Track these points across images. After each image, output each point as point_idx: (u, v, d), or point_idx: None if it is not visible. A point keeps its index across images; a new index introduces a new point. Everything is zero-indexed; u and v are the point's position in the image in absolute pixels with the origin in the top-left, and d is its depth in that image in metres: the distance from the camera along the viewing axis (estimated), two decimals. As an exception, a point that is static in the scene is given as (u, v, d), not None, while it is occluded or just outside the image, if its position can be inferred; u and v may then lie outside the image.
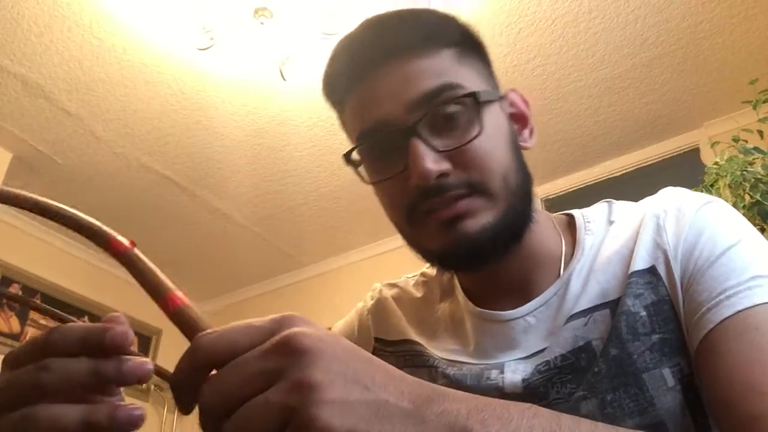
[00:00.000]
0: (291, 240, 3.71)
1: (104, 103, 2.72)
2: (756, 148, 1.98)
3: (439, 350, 0.68)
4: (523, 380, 0.59)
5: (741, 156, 1.97)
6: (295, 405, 0.32)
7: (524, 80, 2.65)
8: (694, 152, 2.94)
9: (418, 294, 0.76)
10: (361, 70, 0.61)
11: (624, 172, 3.08)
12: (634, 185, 3.03)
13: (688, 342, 0.56)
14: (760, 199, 1.86)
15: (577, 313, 0.60)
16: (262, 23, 2.21)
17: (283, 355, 0.34)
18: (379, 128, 0.59)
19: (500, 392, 0.59)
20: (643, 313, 0.56)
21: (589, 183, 3.11)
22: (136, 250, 0.47)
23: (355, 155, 0.63)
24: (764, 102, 2.13)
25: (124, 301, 3.91)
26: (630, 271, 0.59)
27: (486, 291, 0.67)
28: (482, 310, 0.66)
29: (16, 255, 3.42)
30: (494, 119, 0.61)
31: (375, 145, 0.61)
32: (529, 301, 0.63)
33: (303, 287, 3.98)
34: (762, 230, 1.88)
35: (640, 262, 0.59)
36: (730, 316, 0.52)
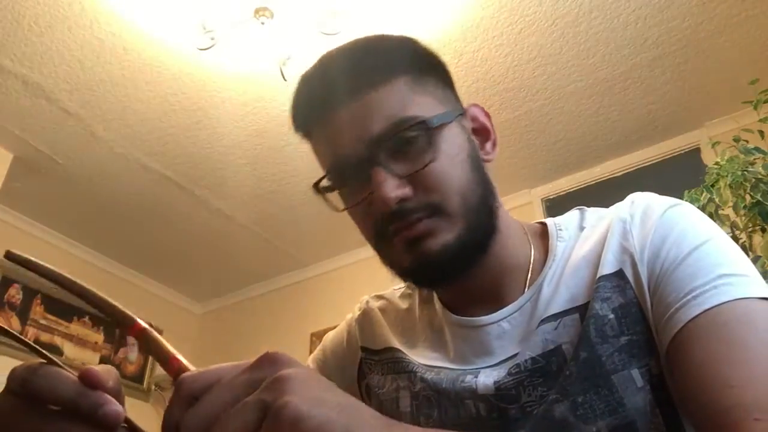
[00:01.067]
0: (291, 240, 3.71)
1: (105, 103, 2.72)
2: (757, 148, 1.98)
3: (421, 357, 0.70)
4: (495, 382, 0.61)
5: (742, 156, 1.97)
6: (270, 399, 0.35)
7: (525, 80, 2.65)
8: (695, 152, 2.94)
9: (403, 305, 0.78)
10: (321, 110, 0.65)
11: (625, 172, 3.08)
12: (635, 185, 2.99)
13: (658, 343, 0.57)
14: (760, 199, 1.86)
15: (547, 317, 0.61)
16: (262, 23, 2.21)
17: (263, 381, 0.37)
18: (343, 162, 0.64)
19: (473, 394, 0.62)
20: (611, 316, 0.58)
21: (590, 183, 3.11)
22: (149, 329, 0.53)
23: (325, 183, 0.68)
24: (765, 102, 2.12)
25: (124, 302, 3.91)
26: (598, 276, 0.60)
27: (461, 300, 0.69)
28: (458, 317, 0.68)
29: (17, 255, 3.41)
30: (452, 139, 0.64)
31: (342, 177, 0.65)
32: (502, 307, 0.66)
33: (303, 287, 3.98)
34: (763, 230, 1.88)
35: (607, 267, 0.60)
36: (698, 315, 0.53)
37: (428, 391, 0.66)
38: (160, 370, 3.94)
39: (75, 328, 3.62)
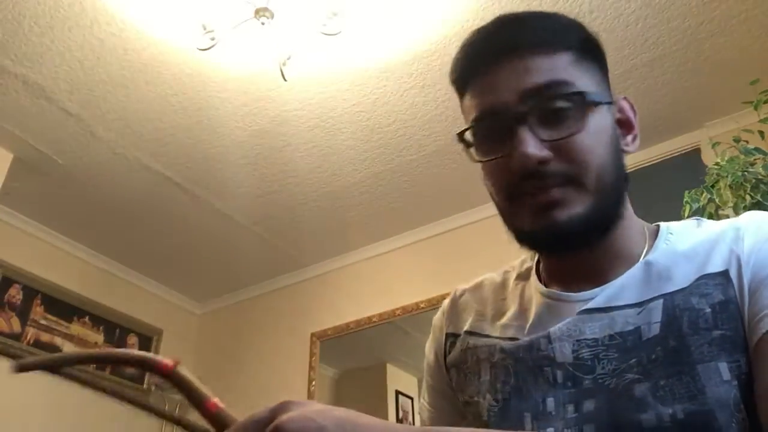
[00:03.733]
0: (291, 240, 3.71)
1: (105, 103, 2.72)
2: (757, 149, 1.98)
3: (503, 329, 0.73)
4: (573, 351, 0.64)
5: (742, 156, 1.97)
6: None
7: (525, 81, 2.65)
8: (695, 153, 2.93)
9: (498, 279, 0.82)
10: (486, 59, 0.68)
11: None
12: (635, 185, 3.00)
13: (748, 341, 0.59)
14: (761, 199, 1.86)
15: (631, 304, 0.64)
16: (263, 24, 2.21)
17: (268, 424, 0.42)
18: (493, 113, 0.66)
19: (552, 361, 0.64)
20: (708, 310, 0.60)
21: (589, 183, 3.11)
22: (179, 368, 0.55)
23: (468, 136, 0.69)
24: (765, 102, 2.12)
25: (124, 302, 3.92)
26: (701, 273, 0.63)
27: (562, 276, 0.72)
28: (551, 290, 0.71)
29: (17, 255, 3.42)
30: (599, 120, 0.66)
31: (487, 128, 0.67)
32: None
33: (303, 287, 3.98)
34: (763, 231, 1.88)
35: (712, 266, 0.63)
36: None
37: (507, 361, 0.68)
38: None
39: (75, 328, 3.63)
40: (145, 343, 3.98)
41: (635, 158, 3.06)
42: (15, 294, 3.38)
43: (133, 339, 3.93)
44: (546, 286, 0.73)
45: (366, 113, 2.82)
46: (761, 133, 2.13)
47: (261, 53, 2.41)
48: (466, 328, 0.78)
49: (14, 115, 2.77)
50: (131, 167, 3.08)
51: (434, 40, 2.48)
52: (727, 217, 2.01)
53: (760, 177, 1.89)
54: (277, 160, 3.07)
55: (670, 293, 0.63)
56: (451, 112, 2.82)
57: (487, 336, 0.73)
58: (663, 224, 0.73)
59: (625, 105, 0.72)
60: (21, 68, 2.54)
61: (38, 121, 2.80)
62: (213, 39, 2.26)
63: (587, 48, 0.69)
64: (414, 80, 2.65)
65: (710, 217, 2.01)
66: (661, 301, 0.62)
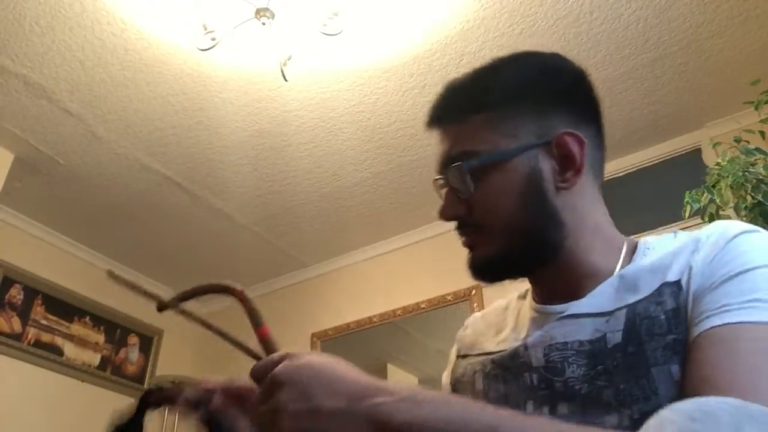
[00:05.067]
0: (292, 240, 3.71)
1: (106, 103, 2.72)
2: (758, 149, 1.98)
3: (498, 343, 0.81)
4: (545, 355, 0.70)
5: (743, 157, 1.97)
6: (272, 417, 0.56)
7: (526, 81, 2.65)
8: (696, 153, 2.93)
9: (503, 303, 0.91)
10: (431, 125, 0.82)
11: (626, 172, 3.07)
12: (636, 186, 3.02)
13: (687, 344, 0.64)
14: (762, 199, 1.86)
15: (601, 313, 0.69)
16: (263, 24, 2.21)
17: (271, 383, 0.59)
18: (437, 170, 0.80)
19: (529, 366, 0.71)
20: (663, 317, 0.65)
21: (590, 184, 3.11)
22: (246, 293, 0.78)
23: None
24: (766, 103, 2.12)
25: (125, 302, 3.92)
26: (660, 283, 0.68)
27: (545, 294, 0.79)
28: (537, 305, 0.79)
29: (18, 255, 3.42)
30: (506, 173, 0.74)
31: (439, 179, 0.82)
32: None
33: (304, 288, 3.98)
34: (764, 231, 1.88)
35: (671, 276, 0.68)
36: (719, 325, 0.60)
37: (496, 370, 0.76)
38: (160, 371, 3.94)
39: (76, 328, 3.63)
40: (146, 343, 3.99)
41: (636, 159, 3.07)
42: (16, 294, 3.39)
43: (133, 339, 3.93)
44: (538, 302, 0.80)
45: (367, 113, 2.82)
46: (762, 133, 2.13)
47: (262, 53, 2.41)
48: (469, 348, 0.86)
49: (15, 115, 2.77)
50: (132, 167, 3.09)
51: (435, 41, 2.48)
52: (728, 217, 2.01)
53: (760, 177, 1.89)
54: (277, 161, 3.07)
55: (633, 303, 0.67)
56: (451, 113, 2.82)
57: (486, 353, 0.81)
58: (642, 239, 0.78)
59: (568, 140, 0.74)
60: (22, 68, 2.54)
61: (39, 121, 2.80)
62: (214, 39, 2.26)
63: (513, 97, 0.77)
64: (415, 80, 2.65)
65: (711, 217, 2.00)
66: (624, 310, 0.67)
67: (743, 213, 1.92)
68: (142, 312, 4.00)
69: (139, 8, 2.32)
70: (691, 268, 0.66)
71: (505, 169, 0.74)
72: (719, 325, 0.60)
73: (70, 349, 3.56)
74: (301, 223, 3.53)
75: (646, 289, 0.68)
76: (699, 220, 2.10)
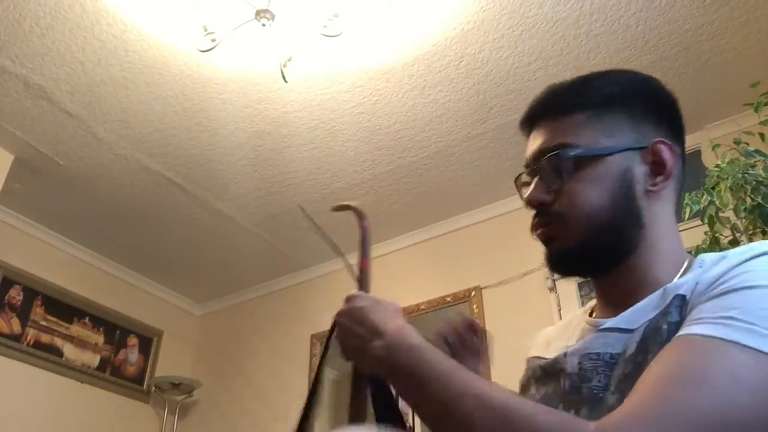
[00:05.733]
0: (292, 241, 3.71)
1: (106, 104, 2.72)
2: (757, 151, 1.98)
3: (554, 350, 0.83)
4: (578, 363, 0.73)
5: (742, 158, 1.97)
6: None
7: (525, 82, 2.65)
8: (696, 154, 2.93)
9: (566, 318, 0.95)
10: (533, 120, 0.86)
11: (625, 174, 3.07)
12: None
13: None
14: (761, 201, 1.85)
15: (630, 329, 0.71)
16: (263, 25, 2.21)
17: (335, 321, 0.80)
18: (526, 165, 0.86)
19: (564, 373, 0.75)
20: (665, 327, 0.67)
21: (590, 185, 3.11)
22: (367, 223, 0.95)
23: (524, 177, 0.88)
24: (765, 104, 2.12)
25: (124, 303, 3.92)
26: (673, 296, 0.70)
27: (602, 303, 0.83)
28: (589, 318, 0.83)
29: (17, 256, 3.42)
30: (599, 169, 0.77)
31: (521, 179, 0.88)
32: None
33: (304, 289, 3.98)
34: (763, 233, 1.88)
35: (682, 290, 0.69)
36: (683, 334, 0.62)
37: (542, 374, 0.81)
38: (159, 372, 3.94)
39: (75, 329, 3.63)
40: (146, 344, 3.98)
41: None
42: (15, 295, 3.39)
43: (133, 340, 3.93)
44: (593, 315, 0.84)
45: (366, 114, 2.82)
46: (762, 135, 2.13)
47: (262, 55, 2.41)
48: (528, 355, 0.91)
49: (15, 116, 2.78)
50: (132, 168, 3.09)
51: (435, 42, 2.48)
52: (728, 219, 2.01)
53: (760, 179, 1.89)
54: (277, 162, 3.07)
55: (653, 316, 0.69)
56: (451, 114, 2.82)
57: (540, 358, 0.85)
58: (700, 256, 0.78)
59: (662, 147, 0.79)
60: (22, 69, 2.54)
61: (39, 122, 2.80)
62: (214, 40, 2.26)
63: (613, 102, 0.80)
64: (414, 82, 2.65)
65: (710, 219, 2.00)
66: (645, 324, 0.69)
67: (743, 215, 1.92)
68: (142, 313, 4.01)
69: (139, 9, 2.32)
70: (697, 283, 0.68)
71: (601, 164, 0.77)
72: (683, 334, 0.61)
73: (69, 350, 3.55)
74: (301, 224, 3.52)
75: (665, 303, 0.70)
76: (698, 222, 2.10)
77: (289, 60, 2.31)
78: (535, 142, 0.83)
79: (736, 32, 2.45)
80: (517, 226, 3.34)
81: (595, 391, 0.69)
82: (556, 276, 0.93)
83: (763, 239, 1.88)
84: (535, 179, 0.81)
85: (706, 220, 2.01)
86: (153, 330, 4.04)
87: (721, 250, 1.98)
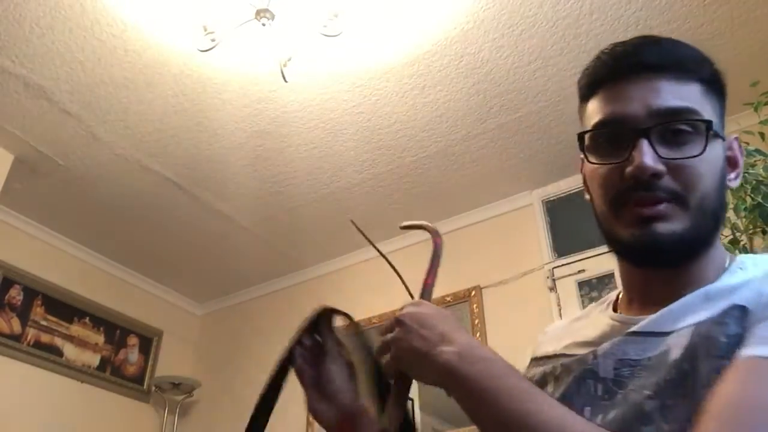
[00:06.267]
0: (291, 242, 3.71)
1: (105, 104, 2.72)
2: (757, 150, 1.98)
3: (570, 347, 0.79)
4: (614, 369, 0.68)
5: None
6: (385, 347, 0.71)
7: (525, 82, 2.65)
8: (696, 154, 2.93)
9: (582, 312, 0.88)
10: (621, 70, 0.73)
11: (625, 174, 3.07)
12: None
13: None
14: (761, 201, 1.86)
15: (666, 333, 0.68)
16: (263, 25, 2.21)
17: (392, 322, 0.72)
18: (619, 122, 0.70)
19: (595, 375, 0.69)
20: (723, 340, 0.62)
21: (590, 185, 3.11)
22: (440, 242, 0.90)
23: (586, 138, 0.74)
24: (765, 104, 2.12)
25: (124, 303, 3.92)
26: (730, 304, 0.65)
27: (634, 298, 0.76)
28: (617, 314, 0.77)
29: (17, 256, 3.42)
30: (714, 151, 0.70)
31: (610, 134, 0.71)
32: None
33: (304, 289, 3.98)
34: (763, 232, 1.88)
35: (739, 299, 0.65)
36: (747, 356, 0.59)
37: (562, 372, 0.75)
38: (159, 372, 3.94)
39: (75, 329, 3.63)
40: (146, 344, 3.98)
41: (636, 160, 3.07)
42: (15, 295, 3.39)
43: (133, 340, 3.93)
44: (622, 310, 0.78)
45: (366, 114, 2.82)
46: (761, 134, 2.13)
47: (261, 54, 2.41)
48: (543, 351, 0.85)
49: (15, 116, 2.77)
50: (132, 168, 3.09)
51: (435, 42, 2.48)
52: (728, 218, 2.01)
53: (760, 179, 1.89)
54: (277, 162, 3.07)
55: (702, 321, 0.65)
56: (451, 114, 2.82)
57: (558, 355, 0.80)
58: (740, 257, 0.75)
59: (735, 144, 0.76)
60: (22, 69, 2.54)
61: (39, 122, 2.80)
62: (214, 40, 2.26)
63: (714, 84, 0.74)
64: (414, 81, 2.65)
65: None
66: (693, 327, 0.65)
67: (743, 214, 1.92)
68: (142, 313, 4.01)
69: (139, 9, 2.32)
70: (760, 296, 0.64)
71: (717, 146, 0.71)
72: (746, 356, 0.59)
73: (69, 350, 3.55)
74: (300, 224, 3.52)
75: (715, 310, 0.66)
76: (699, 222, 2.10)
77: (289, 60, 2.31)
78: (642, 94, 0.70)
79: (735, 32, 2.44)
80: (518, 226, 3.35)
81: (630, 397, 0.65)
82: (640, 261, 0.76)
83: (763, 239, 1.88)
84: (644, 142, 0.67)
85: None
86: (153, 330, 4.04)
87: (721, 249, 1.99)
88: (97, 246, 3.73)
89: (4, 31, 2.38)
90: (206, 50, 2.28)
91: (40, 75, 2.57)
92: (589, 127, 0.74)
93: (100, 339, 3.74)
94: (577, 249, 2.97)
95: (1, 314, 3.30)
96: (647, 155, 0.67)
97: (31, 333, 3.40)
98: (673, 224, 0.67)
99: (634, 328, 0.70)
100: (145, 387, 3.88)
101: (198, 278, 4.08)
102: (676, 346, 0.64)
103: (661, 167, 0.67)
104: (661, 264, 0.71)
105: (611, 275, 2.80)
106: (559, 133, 2.92)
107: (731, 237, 2.00)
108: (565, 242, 3.06)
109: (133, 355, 3.91)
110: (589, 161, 0.74)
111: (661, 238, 0.67)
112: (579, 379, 0.71)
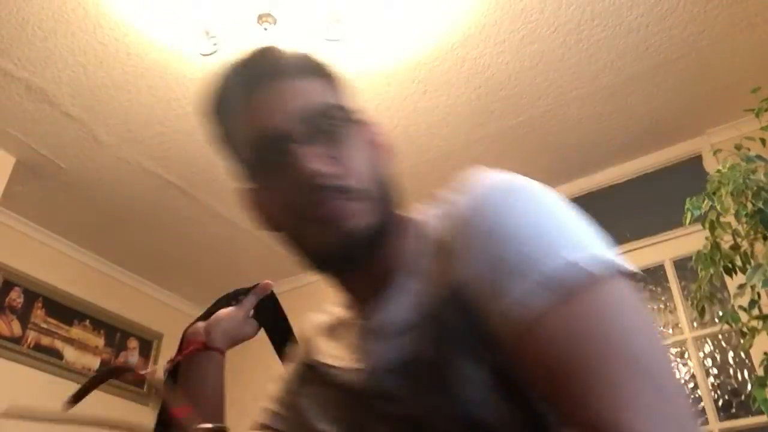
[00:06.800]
0: (293, 245, 3.71)
1: (107, 107, 2.73)
2: (758, 156, 1.98)
3: (334, 357, 0.74)
4: (380, 381, 0.63)
5: (743, 164, 1.97)
6: None
7: (526, 87, 2.65)
8: (697, 160, 2.94)
9: (326, 317, 0.88)
10: (250, 86, 0.68)
11: (626, 179, 3.08)
12: (637, 192, 3.02)
13: None
14: (762, 207, 1.86)
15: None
16: (265, 29, 2.21)
17: None
18: (271, 136, 0.66)
19: (363, 395, 0.64)
20: (454, 320, 0.62)
21: (591, 190, 3.11)
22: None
23: (244, 172, 0.71)
24: (766, 110, 2.13)
25: (125, 305, 3.92)
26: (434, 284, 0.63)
27: (353, 298, 0.74)
28: (355, 317, 0.73)
29: (18, 258, 3.42)
30: (362, 136, 0.70)
31: (266, 153, 0.66)
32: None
33: (304, 292, 3.97)
34: (765, 238, 1.88)
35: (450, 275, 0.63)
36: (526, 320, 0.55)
37: (325, 381, 0.72)
38: (160, 375, 3.94)
39: (76, 332, 3.62)
40: (146, 346, 3.98)
41: (637, 165, 3.07)
42: (16, 297, 3.39)
43: (133, 343, 3.92)
44: (352, 313, 0.75)
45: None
46: (762, 140, 2.14)
47: (263, 58, 2.41)
48: (310, 358, 0.82)
49: (17, 119, 2.78)
50: (133, 171, 3.09)
51: (437, 47, 2.49)
52: (729, 224, 2.01)
53: (761, 185, 1.89)
54: (278, 165, 3.07)
55: (422, 305, 0.65)
56: (452, 118, 2.82)
57: (305, 363, 0.79)
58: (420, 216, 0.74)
59: (373, 125, 0.76)
60: (24, 72, 2.54)
61: (41, 125, 2.81)
62: (216, 44, 2.26)
63: (332, 75, 0.74)
64: (416, 86, 2.66)
65: (711, 224, 2.00)
66: (417, 315, 0.63)
67: (744, 220, 1.92)
68: (143, 316, 4.00)
69: (141, 13, 2.32)
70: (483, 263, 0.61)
71: (362, 130, 0.73)
72: (540, 310, 0.56)
73: (69, 353, 3.55)
74: (301, 227, 3.53)
75: (427, 292, 0.64)
76: (699, 227, 2.10)
77: (291, 64, 2.31)
78: (281, 102, 0.67)
79: (736, 37, 2.45)
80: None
81: (398, 408, 0.60)
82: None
83: (764, 245, 1.88)
84: (300, 146, 0.64)
85: (707, 226, 2.01)
86: (153, 333, 4.04)
87: (722, 255, 1.99)
88: (97, 249, 3.73)
89: (6, 34, 2.38)
90: (208, 54, 2.28)
91: (42, 78, 2.58)
92: (235, 157, 0.72)
93: (100, 342, 3.74)
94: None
95: (1, 317, 3.30)
96: (309, 159, 0.63)
97: (32, 335, 3.40)
98: (358, 218, 0.64)
99: (374, 328, 0.66)
100: (145, 390, 3.87)
101: (199, 281, 4.08)
102: (418, 340, 0.60)
103: (325, 166, 0.63)
104: (362, 258, 0.66)
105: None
106: (560, 138, 2.93)
107: (732, 243, 2.00)
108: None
109: (134, 358, 3.91)
110: (257, 188, 0.72)
111: (351, 233, 0.63)
112: (351, 399, 0.67)
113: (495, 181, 0.64)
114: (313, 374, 0.76)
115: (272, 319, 0.91)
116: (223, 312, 0.98)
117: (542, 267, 0.51)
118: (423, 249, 0.66)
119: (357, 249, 0.64)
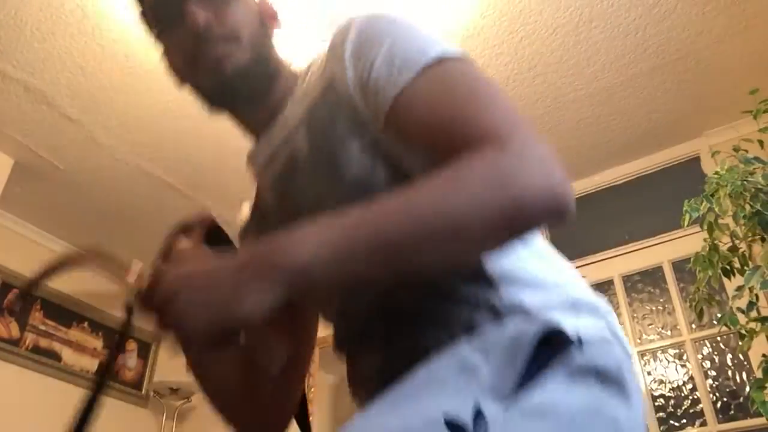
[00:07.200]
0: (291, 247, 3.71)
1: (106, 109, 2.72)
2: (756, 158, 1.98)
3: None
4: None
5: (741, 166, 1.97)
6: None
7: (525, 89, 2.66)
8: (695, 161, 2.94)
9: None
10: None
11: (625, 180, 3.08)
12: (635, 194, 3.02)
13: None
14: (760, 208, 1.86)
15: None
16: (264, 31, 2.21)
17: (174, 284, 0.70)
18: (159, 4, 0.81)
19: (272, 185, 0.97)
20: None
21: (589, 191, 3.11)
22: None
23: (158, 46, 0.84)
24: (764, 112, 2.13)
25: (124, 308, 3.91)
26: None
27: (260, 134, 0.93)
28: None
29: (16, 260, 3.42)
30: (249, 3, 0.83)
31: (166, 12, 0.80)
32: None
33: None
34: (763, 240, 1.88)
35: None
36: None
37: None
38: (158, 377, 3.93)
39: (74, 333, 3.62)
40: (144, 349, 3.98)
41: (635, 167, 3.07)
42: (14, 299, 3.38)
43: (132, 345, 3.92)
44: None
45: (366, 120, 2.82)
46: (761, 142, 2.14)
47: (262, 60, 2.41)
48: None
49: (15, 121, 2.78)
50: (132, 173, 3.09)
51: (435, 48, 2.49)
52: (727, 226, 2.01)
53: (759, 186, 1.89)
54: (277, 167, 3.07)
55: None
56: (451, 120, 2.82)
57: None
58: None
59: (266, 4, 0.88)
60: (22, 74, 2.54)
61: (39, 126, 2.81)
62: (214, 46, 2.26)
63: None
64: (414, 88, 2.66)
65: (710, 226, 2.01)
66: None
67: (742, 222, 1.92)
68: (141, 318, 4.00)
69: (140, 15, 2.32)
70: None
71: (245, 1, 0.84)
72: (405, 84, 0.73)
73: (68, 355, 3.55)
74: (300, 229, 3.52)
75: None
76: (698, 229, 2.11)
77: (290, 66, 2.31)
78: None
79: (734, 39, 2.45)
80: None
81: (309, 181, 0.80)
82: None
83: (762, 246, 1.88)
84: (189, 4, 0.77)
85: (705, 227, 2.02)
86: (152, 335, 4.04)
87: (720, 257, 1.99)
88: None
89: (4, 36, 2.38)
90: (207, 56, 2.28)
91: (40, 80, 2.57)
92: (151, 22, 0.84)
93: (98, 344, 3.74)
94: (573, 257, 2.97)
95: (-1, 318, 3.30)
96: (196, 14, 0.76)
97: (30, 337, 3.39)
98: (237, 59, 0.77)
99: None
100: (143, 392, 3.87)
101: (197, 283, 4.08)
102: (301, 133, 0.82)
103: (211, 19, 0.76)
104: (245, 95, 0.82)
105: (609, 282, 2.80)
106: (558, 139, 2.93)
107: (730, 244, 2.00)
108: (559, 250, 3.06)
109: (132, 360, 3.90)
110: (165, 49, 0.82)
111: (231, 73, 0.77)
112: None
113: (364, 14, 0.81)
114: (257, 198, 1.01)
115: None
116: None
117: (405, 54, 0.71)
118: (308, 72, 0.85)
119: (242, 85, 0.79)
